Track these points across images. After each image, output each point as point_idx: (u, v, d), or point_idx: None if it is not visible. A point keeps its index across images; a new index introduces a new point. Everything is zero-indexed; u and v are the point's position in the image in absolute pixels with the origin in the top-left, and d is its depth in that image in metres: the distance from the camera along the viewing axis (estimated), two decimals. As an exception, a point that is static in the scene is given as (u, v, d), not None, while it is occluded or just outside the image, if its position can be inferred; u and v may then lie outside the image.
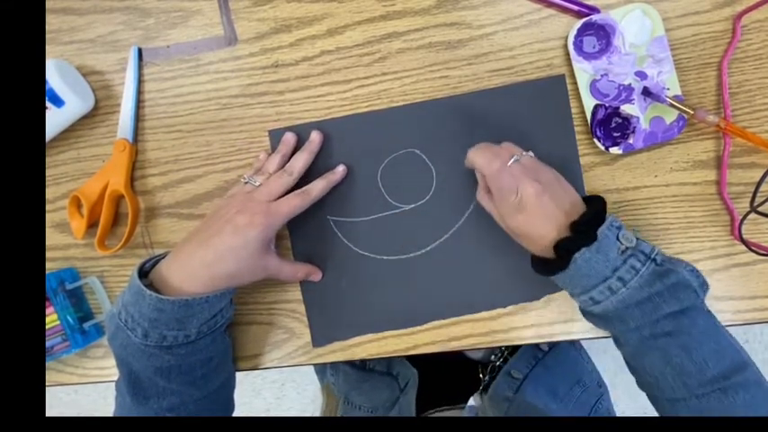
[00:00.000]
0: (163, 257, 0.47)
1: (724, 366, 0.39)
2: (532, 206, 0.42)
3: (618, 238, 0.41)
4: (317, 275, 0.53)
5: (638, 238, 0.41)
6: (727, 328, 0.43)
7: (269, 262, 0.48)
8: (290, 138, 0.52)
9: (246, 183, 0.49)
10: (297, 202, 0.48)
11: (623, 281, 0.40)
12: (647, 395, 0.45)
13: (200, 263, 0.44)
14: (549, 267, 0.43)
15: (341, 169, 0.51)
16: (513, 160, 0.43)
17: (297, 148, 0.52)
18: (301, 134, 0.52)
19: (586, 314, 0.44)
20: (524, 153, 0.44)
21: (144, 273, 0.46)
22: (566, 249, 0.41)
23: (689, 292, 0.40)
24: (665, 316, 0.40)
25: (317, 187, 0.49)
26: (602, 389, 0.73)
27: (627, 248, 0.40)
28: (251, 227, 0.45)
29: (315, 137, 0.51)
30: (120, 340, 0.44)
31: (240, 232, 0.45)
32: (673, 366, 0.40)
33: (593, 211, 0.42)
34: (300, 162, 0.50)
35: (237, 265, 0.45)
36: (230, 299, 0.48)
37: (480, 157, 0.44)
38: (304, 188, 0.49)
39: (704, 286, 0.42)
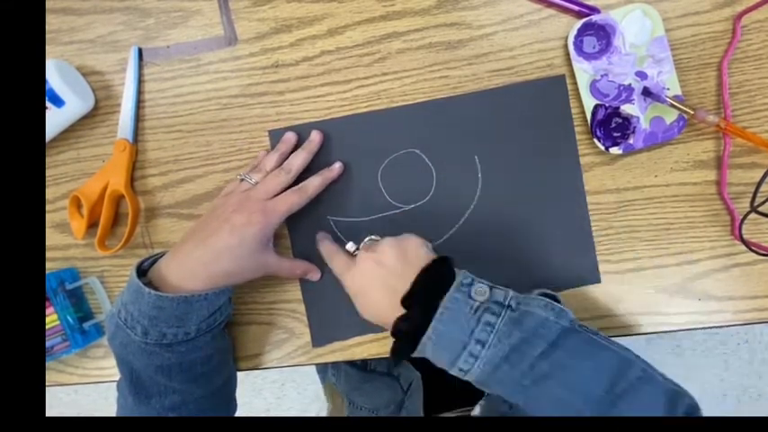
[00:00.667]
0: (161, 256, 0.47)
1: (604, 380, 0.37)
2: (360, 303, 0.45)
3: (470, 295, 0.39)
4: (315, 274, 0.53)
5: (491, 287, 0.40)
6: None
7: (267, 260, 0.48)
8: (290, 137, 0.52)
9: (243, 180, 0.49)
10: (294, 200, 0.48)
11: (481, 342, 0.38)
12: None
13: (199, 262, 0.44)
14: (402, 352, 0.41)
15: (337, 166, 0.51)
16: (355, 249, 0.48)
17: (297, 149, 0.52)
18: (301, 134, 0.52)
19: (475, 384, 0.41)
20: (355, 248, 0.48)
21: (142, 272, 0.46)
22: (404, 332, 0.40)
23: (549, 326, 0.38)
24: (536, 358, 0.37)
25: (314, 184, 0.49)
26: None
27: (480, 304, 0.38)
28: (248, 226, 0.45)
29: (314, 136, 0.51)
30: (120, 339, 0.44)
31: (237, 231, 0.45)
32: (566, 408, 0.38)
33: (421, 285, 0.40)
34: (298, 161, 0.50)
35: (235, 263, 0.45)
36: (229, 297, 0.48)
37: (327, 258, 0.49)
38: (300, 185, 0.49)
39: (561, 314, 0.39)
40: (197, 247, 0.45)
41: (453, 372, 0.40)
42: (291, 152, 0.51)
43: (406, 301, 0.40)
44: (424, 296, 0.40)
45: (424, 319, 0.39)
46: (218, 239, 0.45)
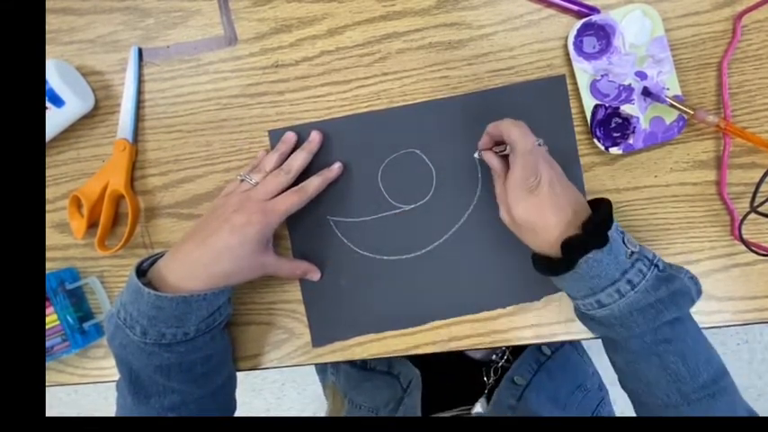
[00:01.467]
0: (161, 256, 0.47)
1: (713, 372, 0.41)
2: (546, 192, 0.41)
3: (624, 242, 0.41)
4: (315, 274, 0.53)
5: (639, 243, 0.42)
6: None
7: (267, 260, 0.48)
8: (290, 137, 0.52)
9: (243, 181, 0.49)
10: (294, 200, 0.48)
11: (632, 284, 0.40)
12: (634, 400, 0.45)
13: (199, 262, 0.44)
14: (554, 267, 0.42)
15: (337, 166, 0.51)
16: (539, 142, 0.43)
17: (297, 149, 0.52)
18: (301, 134, 0.52)
19: (585, 318, 0.44)
20: (540, 143, 0.44)
21: (142, 272, 0.46)
22: (576, 249, 0.40)
23: (687, 299, 0.41)
24: (664, 323, 0.40)
25: (313, 184, 0.49)
26: (602, 392, 0.73)
27: (632, 253, 0.40)
28: (248, 226, 0.45)
29: (314, 136, 0.51)
30: (120, 339, 0.44)
31: (237, 231, 0.45)
32: (669, 373, 0.40)
33: (602, 214, 0.41)
34: (298, 161, 0.50)
35: (235, 263, 0.45)
36: (228, 297, 0.48)
37: (517, 130, 0.42)
38: (300, 185, 0.49)
39: (700, 294, 0.43)
40: (197, 247, 0.45)
41: (587, 301, 0.41)
42: (291, 152, 0.51)
43: (585, 225, 0.41)
44: (598, 227, 0.41)
45: (592, 246, 0.40)
46: (218, 239, 0.45)
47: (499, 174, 0.46)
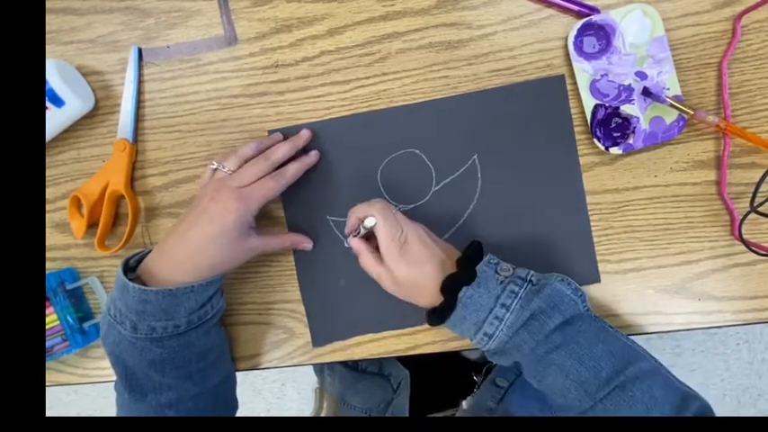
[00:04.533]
0: (148, 253, 0.47)
1: (615, 363, 0.40)
2: (417, 244, 0.44)
3: (496, 271, 0.43)
4: (307, 244, 0.52)
5: (514, 267, 0.44)
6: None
7: (252, 243, 0.48)
8: (276, 136, 0.52)
9: (216, 169, 0.48)
10: (270, 185, 0.47)
11: (506, 306, 0.42)
12: (562, 414, 0.45)
13: (183, 255, 0.45)
14: (441, 312, 0.44)
15: (314, 153, 0.51)
16: (396, 209, 0.46)
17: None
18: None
19: (489, 354, 0.45)
20: (399, 207, 0.47)
21: (131, 269, 0.46)
22: (451, 286, 0.42)
23: (566, 301, 0.42)
24: (552, 330, 0.41)
25: (292, 169, 0.49)
26: None
27: (505, 278, 0.43)
28: (226, 213, 0.45)
29: (303, 133, 0.51)
30: (113, 337, 0.45)
31: (216, 221, 0.45)
32: (572, 379, 0.40)
33: (472, 250, 0.45)
34: (280, 152, 0.49)
35: (218, 252, 0.45)
36: (218, 288, 0.48)
37: (374, 203, 0.45)
38: (278, 170, 0.48)
39: (578, 292, 0.43)
40: (179, 240, 0.45)
41: (477, 337, 0.43)
42: None
43: (457, 262, 0.44)
44: (468, 261, 0.44)
45: (464, 282, 0.43)
46: (198, 231, 0.45)
47: (366, 253, 0.46)
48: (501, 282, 0.43)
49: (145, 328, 0.43)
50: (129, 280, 0.43)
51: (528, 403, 0.64)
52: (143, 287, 0.43)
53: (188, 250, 0.45)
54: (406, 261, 0.44)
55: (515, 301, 0.42)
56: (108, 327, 0.45)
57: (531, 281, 0.43)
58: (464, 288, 0.42)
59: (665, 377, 0.41)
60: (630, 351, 0.41)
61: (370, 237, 0.47)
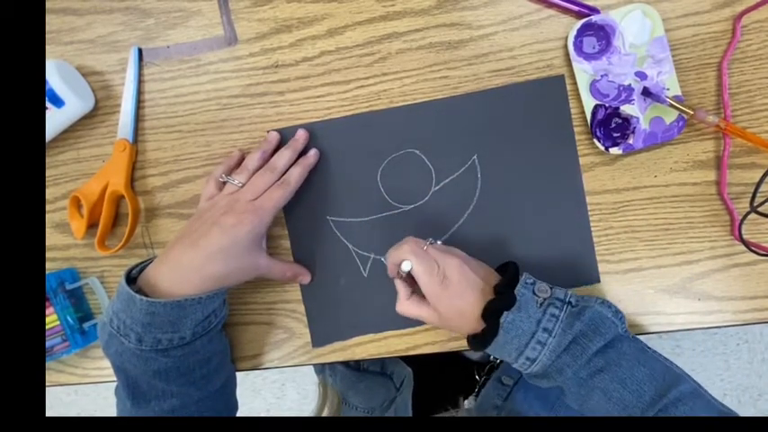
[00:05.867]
0: (149, 263, 0.46)
1: (658, 386, 0.40)
2: (456, 277, 0.43)
3: (534, 293, 0.43)
4: (305, 277, 0.52)
5: (551, 287, 0.43)
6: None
7: (259, 261, 0.48)
8: (273, 136, 0.52)
9: (226, 183, 0.49)
10: (279, 194, 0.47)
11: (548, 331, 0.41)
12: None
13: (190, 265, 0.44)
14: (483, 338, 0.43)
15: (313, 152, 0.51)
16: (427, 244, 0.45)
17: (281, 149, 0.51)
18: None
19: (530, 378, 0.45)
20: (431, 241, 0.46)
21: (132, 279, 0.45)
22: (492, 312, 0.42)
23: (607, 324, 0.42)
24: (594, 354, 0.41)
25: (295, 174, 0.49)
26: None
27: (544, 300, 0.42)
28: (240, 226, 0.45)
29: (300, 134, 0.51)
30: (115, 348, 0.44)
31: (229, 232, 0.45)
32: (614, 402, 0.40)
33: (510, 275, 0.44)
34: (283, 159, 0.49)
35: (227, 265, 0.45)
36: (223, 299, 0.48)
37: (404, 244, 0.45)
38: (282, 179, 0.49)
39: (618, 314, 0.43)
40: (187, 250, 0.44)
41: (520, 362, 0.43)
42: (274, 151, 0.51)
43: (495, 288, 0.44)
44: (505, 287, 0.43)
45: (504, 306, 0.42)
46: (210, 241, 0.44)
47: (408, 293, 0.47)
48: (540, 304, 0.42)
49: (150, 341, 0.43)
50: (134, 292, 0.43)
51: (530, 401, 0.64)
52: (151, 299, 0.42)
53: (196, 261, 0.44)
54: (448, 295, 0.43)
55: (557, 325, 0.41)
56: (109, 337, 0.44)
57: (570, 302, 0.43)
58: (504, 313, 0.42)
59: (705, 399, 0.41)
60: (670, 373, 0.41)
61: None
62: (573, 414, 0.67)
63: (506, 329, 0.41)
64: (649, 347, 0.43)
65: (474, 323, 0.44)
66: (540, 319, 0.41)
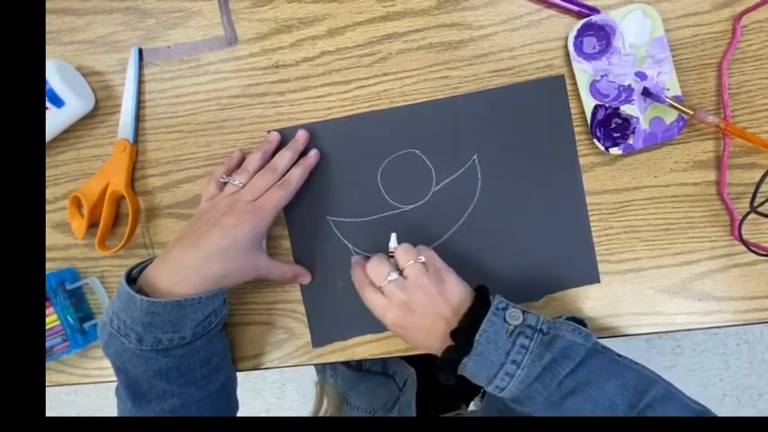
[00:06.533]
0: (149, 264, 0.46)
1: (629, 395, 0.39)
2: (404, 330, 0.43)
3: (505, 320, 0.41)
4: (305, 278, 0.52)
5: (524, 311, 0.42)
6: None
7: (259, 261, 0.48)
8: (274, 136, 0.52)
9: (227, 183, 0.49)
10: (279, 195, 0.47)
11: (517, 363, 0.40)
12: None
13: (189, 265, 0.44)
14: (449, 369, 0.42)
15: (314, 153, 0.51)
16: (388, 280, 0.44)
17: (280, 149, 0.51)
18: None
19: (506, 401, 0.44)
20: (417, 259, 0.44)
21: (132, 280, 0.45)
22: (449, 361, 0.41)
23: (576, 348, 0.40)
24: (564, 377, 0.40)
25: (295, 175, 0.49)
26: None
27: (515, 328, 0.41)
28: (240, 226, 0.45)
29: (300, 135, 0.51)
30: (115, 348, 0.44)
31: (229, 233, 0.45)
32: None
33: (471, 316, 0.42)
34: (284, 160, 0.49)
35: (227, 265, 0.45)
36: (223, 299, 0.48)
37: (357, 273, 0.46)
38: (282, 179, 0.49)
39: (589, 337, 0.42)
40: (187, 251, 0.44)
41: (490, 388, 0.42)
42: (275, 152, 0.51)
43: (454, 333, 0.42)
44: (471, 325, 0.42)
45: (463, 354, 0.41)
46: (210, 241, 0.44)
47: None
48: (511, 333, 0.41)
49: (151, 341, 0.43)
50: (134, 292, 0.43)
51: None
52: (151, 299, 0.42)
53: (196, 260, 0.44)
54: (403, 333, 0.44)
55: (526, 357, 0.40)
56: (109, 337, 0.44)
57: (541, 329, 0.41)
58: (474, 346, 0.41)
59: (678, 399, 0.41)
60: (641, 378, 0.41)
61: None
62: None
63: (475, 361, 0.41)
64: (619, 355, 0.42)
65: (442, 345, 0.43)
66: (510, 351, 0.40)
